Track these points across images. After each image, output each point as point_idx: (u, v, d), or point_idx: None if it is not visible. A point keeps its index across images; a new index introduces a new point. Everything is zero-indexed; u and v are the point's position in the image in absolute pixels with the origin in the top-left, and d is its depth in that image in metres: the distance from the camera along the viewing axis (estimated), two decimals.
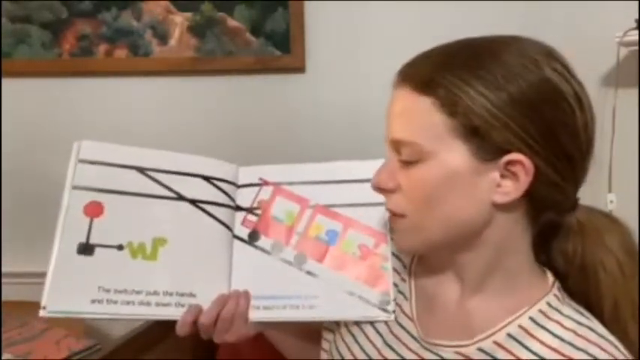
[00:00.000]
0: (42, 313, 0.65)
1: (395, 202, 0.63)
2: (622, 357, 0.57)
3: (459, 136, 0.56)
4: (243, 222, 0.77)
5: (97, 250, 0.69)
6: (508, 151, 0.55)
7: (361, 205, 0.75)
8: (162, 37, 1.50)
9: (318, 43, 1.49)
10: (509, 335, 0.60)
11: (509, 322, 0.61)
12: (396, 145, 0.60)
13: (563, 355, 0.57)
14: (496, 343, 0.61)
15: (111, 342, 1.18)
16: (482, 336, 0.62)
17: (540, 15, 1.39)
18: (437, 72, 0.57)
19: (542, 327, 0.60)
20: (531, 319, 0.61)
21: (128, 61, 1.52)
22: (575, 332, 0.58)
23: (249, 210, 0.77)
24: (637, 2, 1.29)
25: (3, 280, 1.46)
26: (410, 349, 0.67)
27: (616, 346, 0.58)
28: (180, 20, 1.49)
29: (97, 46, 1.51)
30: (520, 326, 0.61)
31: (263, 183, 0.78)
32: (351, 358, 0.72)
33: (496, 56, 0.56)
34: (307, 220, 0.76)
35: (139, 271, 0.70)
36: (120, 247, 0.70)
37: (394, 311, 0.71)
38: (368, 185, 0.65)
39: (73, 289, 0.67)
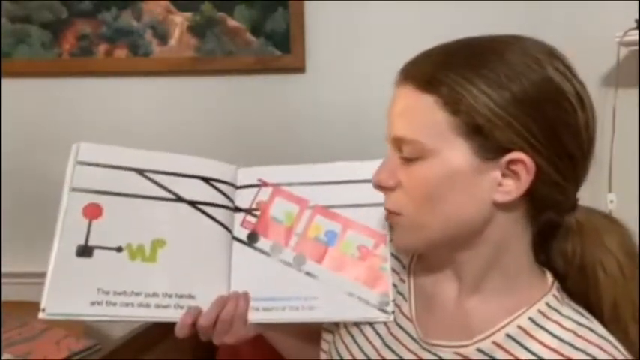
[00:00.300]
0: (41, 315, 0.65)
1: (394, 200, 0.62)
2: (621, 357, 0.57)
3: (461, 135, 0.56)
4: (242, 223, 0.77)
5: (96, 252, 0.69)
6: (510, 150, 0.55)
7: (360, 206, 0.75)
8: (162, 37, 1.50)
9: (318, 43, 1.49)
10: (508, 335, 0.60)
11: (508, 323, 0.61)
12: (398, 143, 0.60)
13: (562, 355, 0.57)
14: (495, 343, 0.61)
15: (111, 342, 1.18)
16: (481, 336, 0.62)
17: (540, 15, 1.39)
18: (440, 70, 0.57)
19: (542, 327, 0.60)
20: (530, 319, 0.61)
21: (128, 61, 1.52)
22: (574, 332, 0.58)
23: (248, 211, 0.77)
24: (637, 2, 1.29)
25: (3, 280, 1.46)
26: (409, 350, 0.67)
27: (616, 347, 0.58)
28: (180, 20, 1.49)
29: (97, 46, 1.51)
30: (519, 326, 0.60)
31: (262, 184, 0.78)
32: (350, 358, 0.72)
33: (499, 55, 0.56)
34: (306, 221, 0.76)
35: (138, 272, 0.70)
36: (119, 249, 0.70)
37: (393, 312, 0.71)
38: (367, 186, 0.65)
39: (72, 291, 0.67)
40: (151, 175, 0.74)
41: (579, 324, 0.59)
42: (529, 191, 0.57)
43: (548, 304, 0.61)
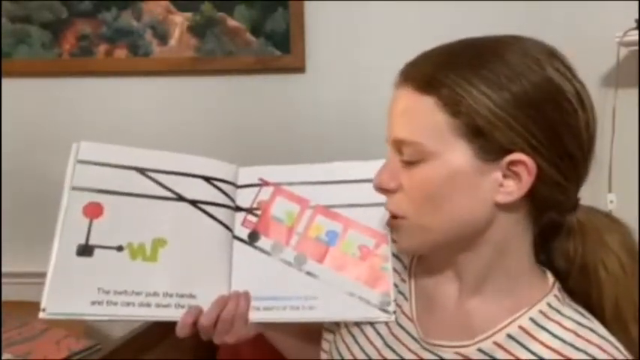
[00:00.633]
0: (41, 315, 0.65)
1: (396, 202, 0.62)
2: (622, 357, 0.57)
3: (461, 136, 0.56)
4: (243, 222, 0.77)
5: (97, 251, 0.69)
6: (511, 151, 0.55)
7: (361, 206, 0.75)
8: (162, 37, 1.50)
9: (318, 43, 1.49)
10: (509, 336, 0.60)
11: (509, 323, 0.61)
12: (398, 145, 0.60)
13: (563, 355, 0.57)
14: (496, 343, 0.61)
15: (111, 342, 1.18)
16: (482, 336, 0.62)
17: (540, 15, 1.39)
18: (440, 71, 0.57)
19: (543, 327, 0.60)
20: (531, 319, 0.61)
21: (128, 61, 1.52)
22: (575, 333, 0.58)
23: (249, 210, 0.77)
24: (637, 2, 1.29)
25: (3, 280, 1.46)
26: (410, 350, 0.67)
27: (616, 347, 0.58)
28: (180, 20, 1.49)
29: (97, 46, 1.51)
30: (520, 327, 0.60)
31: (263, 183, 0.78)
32: (351, 358, 0.72)
33: (499, 56, 0.56)
34: (307, 221, 0.76)
35: (138, 272, 0.70)
36: (119, 248, 0.70)
37: (394, 312, 0.71)
38: (368, 186, 0.65)
39: (72, 291, 0.67)
40: (152, 174, 0.74)
41: (580, 324, 0.59)
42: (530, 192, 0.57)
43: (549, 305, 0.61)
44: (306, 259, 0.74)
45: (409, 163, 0.59)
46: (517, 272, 0.63)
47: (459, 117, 0.56)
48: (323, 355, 0.79)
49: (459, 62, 0.57)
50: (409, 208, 0.61)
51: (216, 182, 0.76)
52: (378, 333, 0.71)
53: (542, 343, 0.59)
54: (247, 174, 0.79)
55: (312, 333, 0.81)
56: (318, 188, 0.77)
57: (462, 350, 0.62)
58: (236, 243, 0.76)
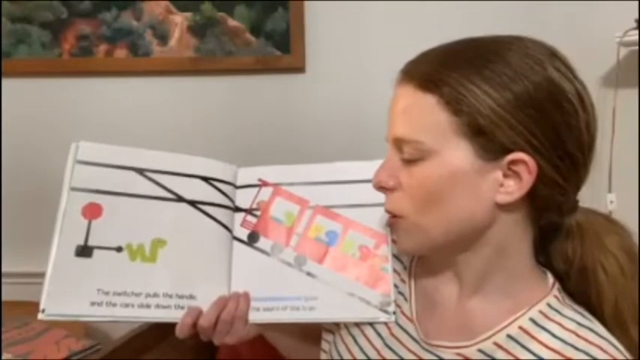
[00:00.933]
0: (40, 316, 0.65)
1: (395, 201, 0.62)
2: (622, 358, 0.57)
3: (462, 135, 0.56)
4: (243, 223, 0.77)
5: (96, 252, 0.69)
6: (511, 151, 0.55)
7: (361, 206, 0.75)
8: (162, 37, 1.50)
9: (318, 43, 1.49)
10: (509, 336, 0.60)
11: (510, 323, 0.61)
12: (399, 143, 0.60)
13: (563, 356, 0.57)
14: (496, 344, 0.60)
15: (111, 342, 1.18)
16: (482, 337, 0.61)
17: (540, 15, 1.39)
18: (442, 70, 0.57)
19: (543, 328, 0.60)
20: (531, 320, 0.60)
21: (128, 61, 1.52)
22: (575, 333, 0.58)
23: (249, 211, 0.77)
24: (637, 2, 1.29)
25: (3, 280, 1.46)
26: (410, 350, 0.67)
27: (617, 347, 0.58)
28: (180, 20, 1.49)
29: (97, 46, 1.51)
30: (520, 327, 0.60)
31: (262, 184, 0.78)
32: (350, 358, 0.72)
33: (501, 56, 0.56)
34: (307, 221, 0.76)
35: (138, 273, 0.70)
36: (119, 249, 0.70)
37: (394, 312, 0.71)
38: (368, 186, 0.65)
39: (71, 292, 0.67)
40: (151, 175, 0.74)
41: (580, 325, 0.59)
42: (530, 192, 0.57)
43: (549, 305, 0.61)
44: (306, 260, 0.74)
45: (409, 162, 0.59)
46: (517, 273, 0.63)
47: (461, 116, 0.56)
48: (322, 356, 0.79)
49: (460, 61, 0.57)
50: (408, 207, 0.61)
51: (215, 183, 0.76)
52: (378, 333, 0.71)
53: (542, 344, 0.59)
54: (247, 174, 0.79)
55: (311, 333, 0.81)
56: (317, 188, 0.77)
57: (462, 351, 0.62)
58: (235, 243, 0.76)
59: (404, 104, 0.60)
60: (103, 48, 1.51)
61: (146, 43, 1.50)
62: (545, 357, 0.58)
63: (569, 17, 1.39)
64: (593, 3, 1.39)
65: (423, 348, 0.65)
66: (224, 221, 0.76)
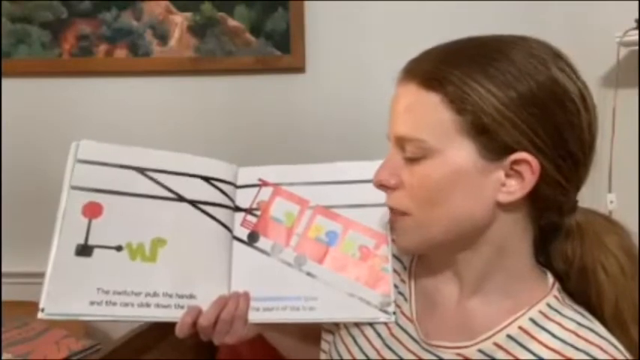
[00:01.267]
0: (40, 315, 0.65)
1: (397, 199, 0.62)
2: (622, 358, 0.57)
3: (466, 134, 0.56)
4: (243, 223, 0.77)
5: (96, 251, 0.69)
6: (514, 150, 0.55)
7: (361, 206, 0.75)
8: (162, 37, 1.50)
9: (318, 43, 1.49)
10: (509, 336, 0.60)
11: (510, 324, 0.61)
12: (401, 142, 0.60)
13: (563, 356, 0.57)
14: (496, 344, 0.60)
15: (111, 342, 1.18)
16: (482, 337, 0.61)
17: (540, 15, 1.39)
18: (445, 68, 0.57)
19: (543, 328, 0.60)
20: (531, 320, 0.60)
21: (128, 61, 1.52)
22: (575, 333, 0.58)
23: (249, 211, 0.77)
24: (637, 2, 1.29)
25: (3, 280, 1.46)
26: (409, 351, 0.66)
27: (617, 347, 0.58)
28: (180, 20, 1.49)
29: (97, 46, 1.51)
30: (520, 327, 0.60)
31: (262, 184, 0.78)
32: (350, 358, 0.72)
33: (504, 55, 0.56)
34: (307, 221, 0.76)
35: (138, 272, 0.70)
36: (119, 249, 0.70)
37: (394, 313, 0.71)
38: (368, 186, 0.65)
39: (71, 291, 0.67)
40: (152, 174, 0.74)
41: (580, 325, 0.59)
42: (532, 192, 0.57)
43: (549, 305, 0.61)
44: (306, 260, 0.74)
45: (411, 160, 0.59)
46: (517, 273, 0.63)
47: (465, 114, 0.55)
48: (322, 356, 0.79)
49: (464, 59, 0.57)
50: (410, 205, 0.61)
51: (215, 182, 0.76)
52: (378, 334, 0.71)
53: (542, 344, 0.59)
54: (247, 174, 0.79)
55: (311, 334, 0.81)
56: (317, 188, 0.77)
57: (462, 351, 0.62)
58: (235, 243, 0.76)
59: (406, 102, 0.59)
60: (103, 48, 1.51)
61: (146, 43, 1.50)
62: (545, 357, 0.58)
63: (569, 17, 1.39)
64: (593, 3, 1.39)
65: (423, 348, 0.65)
66: (224, 221, 0.76)
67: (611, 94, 1.39)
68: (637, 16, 1.28)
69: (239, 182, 0.79)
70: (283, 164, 0.80)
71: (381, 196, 0.65)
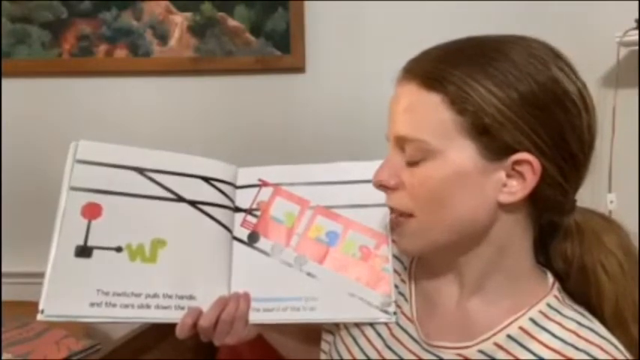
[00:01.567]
0: (39, 317, 0.64)
1: (397, 199, 0.62)
2: (622, 357, 0.57)
3: (467, 134, 0.56)
4: (243, 223, 0.77)
5: (95, 252, 0.69)
6: (515, 151, 0.55)
7: (362, 207, 0.75)
8: (162, 37, 1.50)
9: (318, 43, 1.49)
10: (510, 337, 0.60)
11: (510, 324, 0.61)
12: (401, 142, 0.60)
13: (564, 356, 0.57)
14: (496, 344, 0.60)
15: (111, 342, 1.18)
16: (482, 337, 0.61)
17: (540, 15, 1.39)
18: (446, 68, 0.56)
19: (543, 328, 0.60)
20: (531, 320, 0.60)
21: (128, 61, 1.52)
22: (575, 333, 0.58)
23: (249, 211, 0.77)
24: (637, 2, 1.29)
25: (3, 280, 1.46)
26: (410, 351, 0.66)
27: (617, 347, 0.58)
28: (180, 20, 1.49)
29: (97, 46, 1.51)
30: (520, 327, 0.60)
31: (262, 184, 0.78)
32: (350, 359, 0.72)
33: (505, 55, 0.56)
34: (307, 222, 0.76)
35: (138, 273, 0.69)
36: (118, 249, 0.70)
37: (395, 313, 0.71)
38: (368, 186, 0.65)
39: (71, 293, 0.66)
40: (151, 174, 0.73)
41: (580, 325, 0.59)
42: (532, 192, 0.57)
43: (549, 305, 0.61)
44: (307, 260, 0.74)
45: (412, 161, 0.59)
46: (517, 273, 0.63)
47: (466, 115, 0.55)
48: (322, 356, 0.79)
49: (465, 60, 0.57)
50: (411, 206, 0.61)
51: (215, 183, 0.76)
52: (379, 334, 0.71)
53: (542, 344, 0.59)
54: (247, 174, 0.79)
55: (311, 334, 0.81)
56: (318, 189, 0.77)
57: (463, 351, 0.62)
58: (235, 244, 0.76)
59: (406, 103, 0.59)
60: (103, 48, 1.51)
61: (146, 43, 1.50)
62: (545, 357, 0.58)
63: (569, 17, 1.39)
64: (593, 3, 1.39)
65: (424, 349, 0.65)
66: (224, 221, 0.75)
67: (611, 94, 1.39)
68: (637, 16, 1.28)
69: (239, 182, 0.78)
70: (283, 164, 0.79)
71: (381, 196, 0.65)
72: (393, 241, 0.72)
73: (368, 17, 1.47)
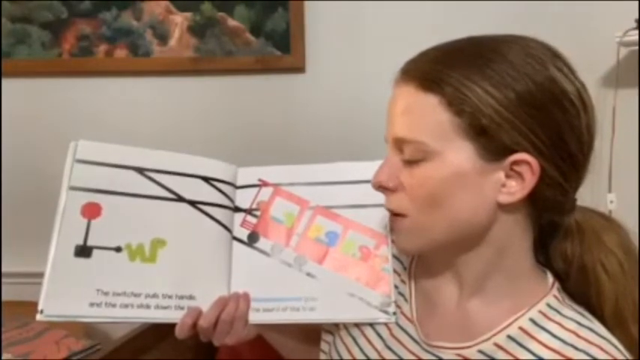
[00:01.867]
0: (39, 317, 0.64)
1: (396, 201, 0.62)
2: (622, 357, 0.57)
3: (465, 135, 0.56)
4: (243, 223, 0.77)
5: (95, 252, 0.69)
6: (514, 151, 0.55)
7: (361, 207, 0.75)
8: (162, 37, 1.50)
9: (318, 43, 1.49)
10: (510, 337, 0.60)
11: (510, 324, 0.61)
12: (399, 144, 0.60)
13: (563, 356, 0.57)
14: (496, 344, 0.60)
15: (111, 342, 1.18)
16: (482, 338, 0.61)
17: (540, 15, 1.39)
18: (443, 70, 0.56)
19: (543, 328, 0.60)
20: (531, 320, 0.60)
21: (128, 61, 1.52)
22: (575, 333, 0.58)
23: (249, 211, 0.77)
24: (637, 2, 1.29)
25: (3, 280, 1.46)
26: (410, 351, 0.66)
27: (616, 347, 0.58)
28: (180, 20, 1.49)
29: (97, 46, 1.51)
30: (520, 328, 0.60)
31: (262, 184, 0.78)
32: (350, 359, 0.72)
33: (502, 55, 0.56)
34: (307, 222, 0.76)
35: (137, 273, 0.69)
36: (118, 249, 0.70)
37: (395, 313, 0.71)
38: (368, 186, 0.65)
39: (70, 293, 0.66)
40: (151, 174, 0.73)
41: (580, 325, 0.59)
42: (531, 192, 0.57)
43: (548, 305, 0.61)
44: (306, 260, 0.74)
45: (410, 162, 0.59)
46: (517, 273, 0.63)
47: (463, 116, 0.55)
48: (322, 356, 0.79)
49: (462, 60, 0.57)
50: (410, 208, 0.61)
51: (215, 183, 0.76)
52: (379, 334, 0.71)
53: (542, 344, 0.59)
54: (246, 174, 0.79)
55: (311, 334, 0.81)
56: (317, 189, 0.77)
57: (463, 352, 0.62)
58: (235, 244, 0.76)
59: (404, 104, 0.59)
60: (103, 48, 1.51)
61: (146, 43, 1.50)
62: (545, 357, 0.58)
63: (569, 17, 1.39)
64: (593, 3, 1.39)
65: (424, 349, 0.65)
66: (224, 221, 0.75)
67: (611, 94, 1.39)
68: (637, 16, 1.28)
69: (239, 182, 0.78)
70: (283, 164, 0.79)
71: (381, 196, 0.65)
72: (393, 241, 0.72)
73: (368, 17, 1.47)
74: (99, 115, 1.55)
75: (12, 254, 1.55)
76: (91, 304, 0.67)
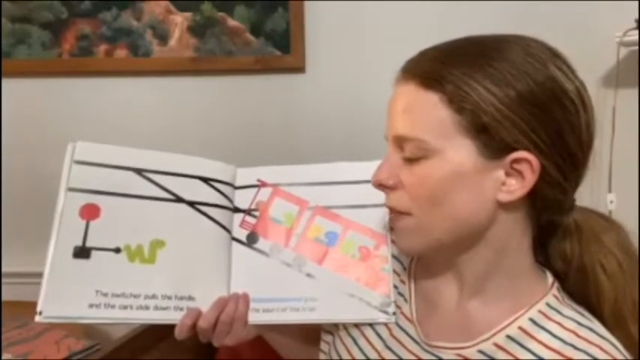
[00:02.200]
0: (38, 318, 0.64)
1: (396, 199, 0.62)
2: (621, 357, 0.57)
3: (465, 133, 0.56)
4: (242, 224, 0.77)
5: (94, 253, 0.68)
6: (514, 149, 0.55)
7: (361, 207, 0.75)
8: (163, 37, 1.50)
9: (318, 43, 1.49)
10: (509, 337, 0.60)
11: (509, 324, 0.61)
12: (400, 142, 0.60)
13: (563, 356, 0.57)
14: (496, 344, 0.60)
15: (111, 342, 1.18)
16: (482, 338, 0.61)
17: (540, 15, 1.39)
18: (444, 68, 0.56)
19: (542, 328, 0.60)
20: (531, 320, 0.60)
21: (128, 61, 1.52)
22: (575, 333, 0.58)
23: (248, 211, 0.77)
24: (637, 2, 1.29)
25: (3, 280, 1.46)
26: (410, 352, 0.66)
27: (616, 347, 0.58)
28: (180, 20, 1.49)
29: (97, 46, 1.51)
30: (520, 328, 0.60)
31: (261, 184, 0.78)
32: (350, 359, 0.72)
33: (503, 54, 0.56)
34: (306, 222, 0.76)
35: (136, 274, 0.69)
36: (117, 250, 0.70)
37: (394, 313, 0.70)
38: (368, 186, 0.65)
39: (69, 294, 0.66)
40: (150, 175, 0.73)
41: (580, 324, 0.59)
42: (531, 191, 0.57)
43: (548, 305, 0.61)
44: (306, 261, 0.74)
45: (411, 160, 0.59)
46: (517, 272, 0.63)
47: (464, 113, 0.55)
48: (321, 356, 0.79)
49: (463, 59, 0.57)
50: (410, 205, 0.61)
51: (214, 183, 0.76)
52: (378, 335, 0.71)
53: (542, 344, 0.59)
54: (245, 175, 0.79)
55: (311, 335, 0.81)
56: (317, 189, 0.77)
57: (462, 352, 0.62)
58: (234, 244, 0.76)
59: (405, 102, 0.59)
60: (103, 48, 1.51)
61: (146, 43, 1.50)
62: (545, 357, 0.58)
63: (569, 17, 1.39)
64: (593, 3, 1.38)
65: (424, 349, 0.65)
66: (223, 222, 0.75)
67: (611, 94, 1.39)
68: (637, 16, 1.28)
69: (238, 183, 0.78)
70: (283, 164, 0.79)
71: (380, 196, 0.65)
72: (393, 241, 0.73)
73: (368, 17, 1.47)
74: (99, 115, 1.55)
75: (12, 254, 1.55)
76: (91, 306, 0.66)
